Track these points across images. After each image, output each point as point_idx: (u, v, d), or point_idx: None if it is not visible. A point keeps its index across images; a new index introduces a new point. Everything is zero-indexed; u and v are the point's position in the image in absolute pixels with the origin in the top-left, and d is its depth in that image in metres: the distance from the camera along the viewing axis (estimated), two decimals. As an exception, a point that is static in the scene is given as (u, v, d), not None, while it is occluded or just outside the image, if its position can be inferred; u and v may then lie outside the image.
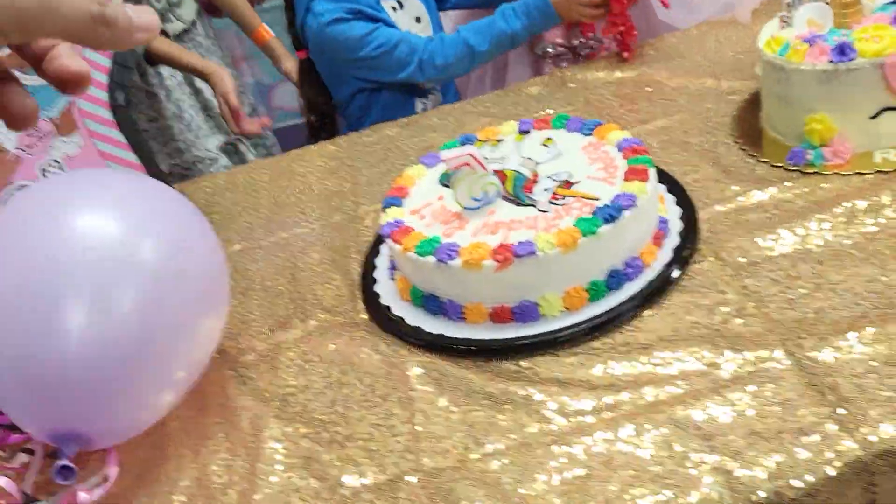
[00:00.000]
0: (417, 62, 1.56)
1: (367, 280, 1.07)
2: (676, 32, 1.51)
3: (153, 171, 1.19)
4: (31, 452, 0.91)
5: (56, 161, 1.04)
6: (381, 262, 1.09)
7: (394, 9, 1.64)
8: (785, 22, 1.10)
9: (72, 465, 0.79)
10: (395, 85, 1.61)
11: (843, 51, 0.99)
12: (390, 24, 1.60)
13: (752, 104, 1.21)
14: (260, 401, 0.92)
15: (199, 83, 1.82)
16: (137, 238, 0.87)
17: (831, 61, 1.00)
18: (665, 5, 1.49)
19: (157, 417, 0.89)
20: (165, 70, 1.77)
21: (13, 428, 0.93)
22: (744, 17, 1.48)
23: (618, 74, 1.41)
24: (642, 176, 0.95)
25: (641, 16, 1.66)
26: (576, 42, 1.66)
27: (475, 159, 0.97)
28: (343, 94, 1.70)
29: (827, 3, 1.07)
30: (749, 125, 1.17)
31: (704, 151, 1.14)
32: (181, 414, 0.93)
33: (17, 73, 0.98)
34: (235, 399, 0.94)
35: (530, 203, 0.97)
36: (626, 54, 1.46)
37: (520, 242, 0.89)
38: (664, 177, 1.08)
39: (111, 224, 0.87)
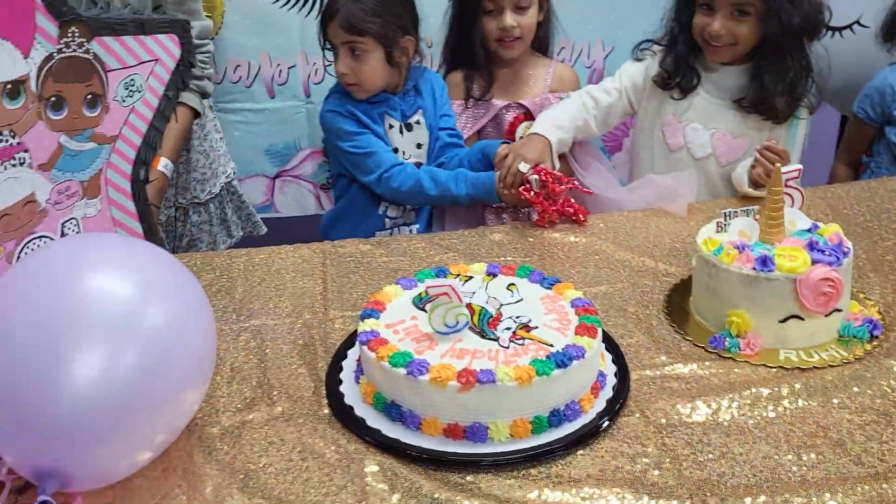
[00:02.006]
0: (378, 175, 1.82)
1: (333, 380, 1.17)
2: (624, 212, 1.73)
3: (153, 241, 1.28)
4: (-1, 485, 0.95)
5: (75, 219, 1.14)
6: (348, 364, 1.20)
7: (401, 132, 1.89)
8: (720, 227, 1.32)
9: (52, 500, 0.85)
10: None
11: (764, 262, 1.20)
12: (379, 136, 1.86)
13: (683, 287, 1.41)
14: (224, 471, 1.00)
15: None
16: (145, 304, 0.96)
17: (754, 268, 1.20)
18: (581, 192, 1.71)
19: (129, 472, 0.95)
20: None
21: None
22: (680, 210, 1.71)
23: (571, 239, 1.61)
24: (591, 333, 1.11)
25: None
26: None
27: (454, 291, 1.11)
28: (334, 170, 1.99)
29: (755, 220, 1.30)
30: (678, 306, 1.36)
31: (639, 321, 1.32)
32: (147, 473, 0.99)
33: (64, 138, 1.10)
34: (200, 466, 1.01)
35: (493, 338, 1.12)
36: (580, 218, 1.66)
37: (482, 370, 1.03)
38: (604, 336, 1.25)
39: (122, 288, 0.96)
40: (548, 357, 1.05)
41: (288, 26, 2.52)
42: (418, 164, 1.91)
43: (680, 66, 1.85)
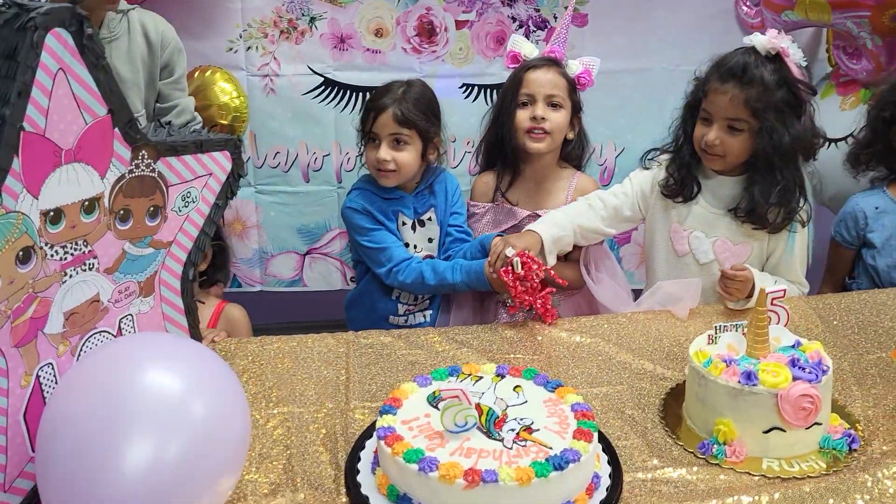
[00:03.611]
0: (388, 268, 2.01)
1: (352, 469, 1.29)
2: (628, 313, 1.85)
3: (195, 333, 1.43)
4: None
5: (130, 315, 1.28)
6: (366, 455, 1.32)
7: (413, 228, 2.07)
8: (711, 340, 1.43)
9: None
10: None
11: (749, 377, 1.31)
12: (392, 232, 2.04)
13: (678, 392, 1.52)
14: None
15: None
16: (191, 398, 1.10)
17: (739, 382, 1.32)
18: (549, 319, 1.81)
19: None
20: None
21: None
22: (681, 313, 1.83)
23: (576, 339, 1.73)
24: (588, 437, 1.22)
25: (590, 301, 2.05)
26: None
27: (464, 394, 1.23)
28: (354, 256, 2.16)
29: (743, 335, 1.41)
30: (672, 410, 1.47)
31: (635, 423, 1.43)
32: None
33: (127, 245, 1.25)
34: (230, 547, 1.13)
35: (499, 438, 1.23)
36: (547, 321, 1.79)
37: (486, 470, 1.14)
38: (600, 437, 1.36)
39: (171, 383, 1.10)
40: (547, 460, 1.17)
41: (324, 119, 2.74)
42: (429, 257, 2.08)
43: (683, 174, 1.99)
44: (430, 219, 2.10)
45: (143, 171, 1.24)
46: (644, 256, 2.24)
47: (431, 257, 2.08)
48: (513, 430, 1.26)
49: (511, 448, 1.21)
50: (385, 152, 1.97)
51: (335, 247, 2.91)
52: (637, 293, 2.12)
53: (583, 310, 2.10)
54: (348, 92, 2.71)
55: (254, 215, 2.82)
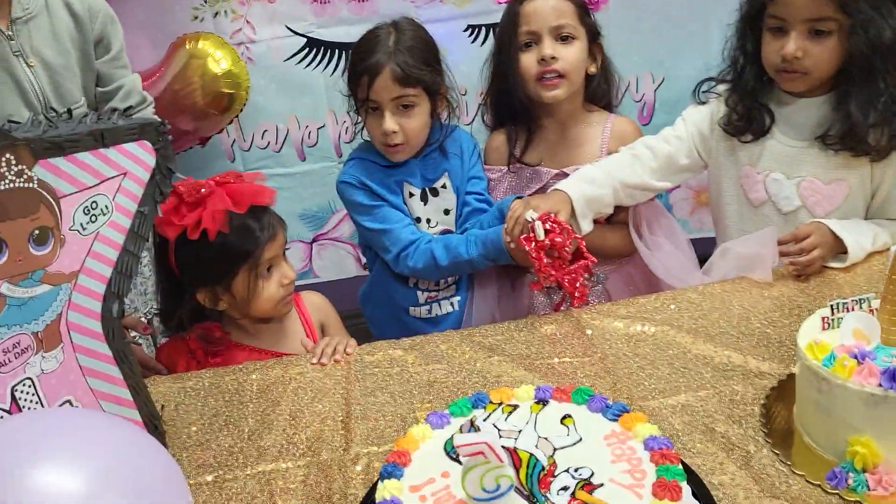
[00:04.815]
0: (395, 254, 1.65)
1: (351, 555, 0.95)
2: (698, 287, 1.46)
3: (134, 384, 1.09)
4: None
5: (29, 380, 0.94)
6: (370, 532, 0.98)
7: (423, 199, 1.70)
8: (828, 324, 1.05)
9: None
10: None
11: (893, 376, 0.93)
12: (397, 207, 1.67)
13: (785, 393, 1.14)
14: None
15: None
16: (98, 497, 0.77)
17: (880, 385, 0.93)
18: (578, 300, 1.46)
19: None
20: None
21: None
22: (763, 276, 1.45)
23: (637, 328, 1.35)
24: (674, 494, 0.85)
25: (645, 270, 1.67)
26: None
27: (491, 449, 0.87)
28: (361, 240, 1.81)
29: (873, 314, 1.02)
30: (781, 420, 1.10)
31: (732, 447, 1.06)
32: None
33: (6, 287, 0.91)
34: None
35: (547, 505, 0.87)
36: (575, 300, 1.45)
37: (533, 565, 0.79)
38: (688, 473, 0.99)
39: (70, 483, 0.77)
40: (619, 538, 0.81)
41: (314, 87, 2.40)
42: (447, 232, 1.71)
43: (749, 104, 1.58)
44: (443, 186, 1.71)
45: (12, 182, 0.89)
46: (711, 209, 1.83)
47: (450, 233, 1.71)
48: (566, 488, 0.89)
49: (566, 521, 0.85)
50: (391, 122, 1.59)
51: (344, 230, 2.57)
52: (696, 244, 1.73)
53: (636, 284, 1.71)
54: (336, 51, 2.34)
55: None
